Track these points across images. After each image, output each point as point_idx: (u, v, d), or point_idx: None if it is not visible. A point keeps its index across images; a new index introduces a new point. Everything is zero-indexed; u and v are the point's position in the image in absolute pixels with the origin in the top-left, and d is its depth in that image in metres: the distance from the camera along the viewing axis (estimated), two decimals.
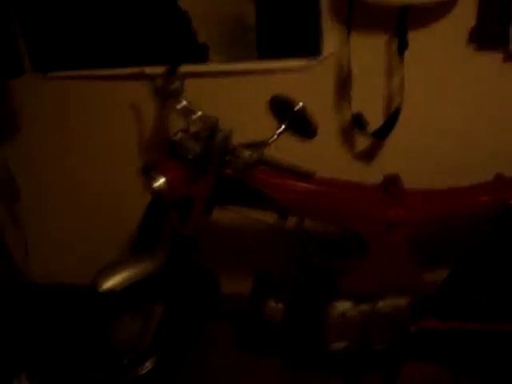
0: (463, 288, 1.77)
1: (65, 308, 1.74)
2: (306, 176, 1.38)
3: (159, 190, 1.48)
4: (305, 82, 1.81)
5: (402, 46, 1.67)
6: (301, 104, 1.33)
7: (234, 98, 1.88)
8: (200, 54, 1.84)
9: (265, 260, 1.90)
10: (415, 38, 1.68)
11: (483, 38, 1.69)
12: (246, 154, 1.40)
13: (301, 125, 1.37)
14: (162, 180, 1.47)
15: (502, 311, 1.75)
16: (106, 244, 2.12)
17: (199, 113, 1.53)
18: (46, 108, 2.02)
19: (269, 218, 1.63)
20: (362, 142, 1.89)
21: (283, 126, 1.38)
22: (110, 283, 1.62)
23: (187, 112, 1.55)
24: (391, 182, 1.63)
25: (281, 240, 1.76)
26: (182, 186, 1.51)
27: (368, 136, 1.82)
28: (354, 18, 1.68)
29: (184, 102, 1.56)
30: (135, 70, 1.83)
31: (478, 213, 1.64)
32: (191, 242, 1.61)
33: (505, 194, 1.60)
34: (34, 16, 1.87)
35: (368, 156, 1.91)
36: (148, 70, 1.80)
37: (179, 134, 1.53)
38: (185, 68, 1.66)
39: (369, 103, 1.80)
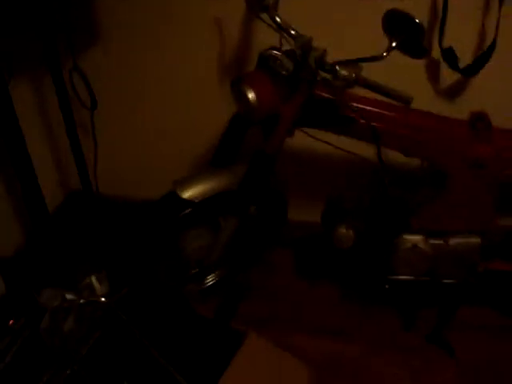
0: None
1: (139, 216, 1.78)
2: (405, 100, 1.36)
3: (249, 104, 1.48)
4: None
5: None
6: (418, 20, 1.29)
7: (327, 18, 1.83)
8: None
9: (337, 188, 1.90)
10: None
11: None
12: (345, 72, 1.38)
13: (413, 43, 1.33)
14: (251, 94, 1.47)
15: None
16: (179, 162, 2.16)
17: (293, 30, 1.51)
18: (127, 19, 2.00)
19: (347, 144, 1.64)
20: (450, 78, 1.84)
21: (394, 43, 1.34)
22: (191, 192, 1.67)
23: (281, 28, 1.53)
24: (479, 119, 1.60)
25: (356, 168, 1.76)
26: (272, 102, 1.50)
27: (457, 72, 1.77)
28: None
29: (278, 18, 1.54)
30: None
31: None
32: (271, 161, 1.62)
33: None
34: None
35: (455, 92, 1.86)
36: None
37: (272, 50, 1.51)
38: None
39: (461, 38, 1.73)
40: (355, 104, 1.55)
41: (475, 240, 1.71)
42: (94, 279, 1.71)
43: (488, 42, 1.72)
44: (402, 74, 1.69)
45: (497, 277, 1.78)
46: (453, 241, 1.71)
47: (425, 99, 1.85)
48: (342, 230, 1.75)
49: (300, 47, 1.46)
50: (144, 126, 2.19)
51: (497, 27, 1.67)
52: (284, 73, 1.47)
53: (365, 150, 1.61)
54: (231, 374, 1.44)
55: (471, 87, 1.85)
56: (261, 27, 1.63)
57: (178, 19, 1.93)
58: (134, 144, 2.24)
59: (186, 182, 1.69)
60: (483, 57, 1.74)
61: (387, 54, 1.33)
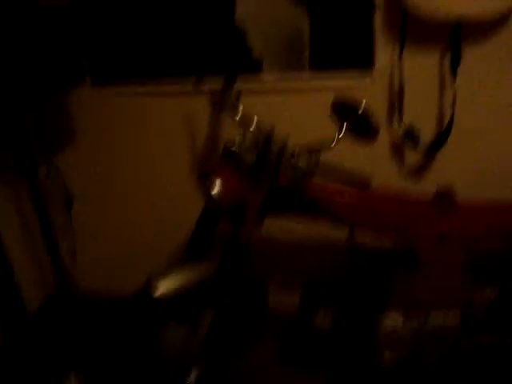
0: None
1: (115, 315, 1.77)
2: (363, 186, 1.40)
3: (215, 197, 1.51)
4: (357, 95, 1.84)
5: (455, 63, 1.69)
6: (364, 103, 1.35)
7: (286, 113, 1.92)
8: (255, 68, 1.89)
9: (314, 273, 1.91)
10: (469, 53, 1.70)
11: None
12: (303, 163, 1.43)
13: (363, 127, 1.38)
14: (217, 187, 1.51)
15: None
16: (156, 259, 2.17)
17: (255, 123, 1.57)
18: (101, 121, 2.09)
19: (320, 228, 1.67)
20: (413, 156, 1.90)
21: (344, 129, 1.39)
22: (163, 289, 1.66)
23: (243, 123, 1.59)
24: (444, 194, 1.63)
25: (331, 252, 1.78)
26: (236, 194, 1.54)
27: (419, 149, 1.83)
28: (407, 33, 1.71)
29: (240, 114, 1.60)
30: (190, 86, 1.87)
31: None
32: (244, 250, 1.64)
33: None
34: (96, 32, 1.96)
35: (419, 169, 1.92)
36: (204, 86, 1.86)
37: (235, 144, 1.57)
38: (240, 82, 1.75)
39: (420, 118, 1.81)
40: (320, 187, 1.58)
41: (455, 315, 1.69)
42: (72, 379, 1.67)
43: (446, 119, 1.80)
44: (367, 154, 1.77)
45: (482, 351, 1.75)
46: (432, 318, 1.69)
47: (395, 178, 1.92)
48: (320, 314, 1.73)
49: (264, 138, 1.52)
50: (119, 222, 2.22)
51: (453, 105, 1.75)
52: (245, 166, 1.51)
53: (339, 233, 1.65)
54: None
55: (436, 164, 1.90)
56: (228, 122, 1.70)
57: (148, 119, 2.02)
58: (111, 240, 2.26)
59: (158, 278, 1.68)
60: (443, 134, 1.81)
61: (336, 143, 1.38)
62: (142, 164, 2.10)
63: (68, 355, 1.92)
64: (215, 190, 1.51)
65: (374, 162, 1.86)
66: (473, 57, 1.71)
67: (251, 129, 1.56)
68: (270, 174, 1.52)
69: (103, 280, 2.29)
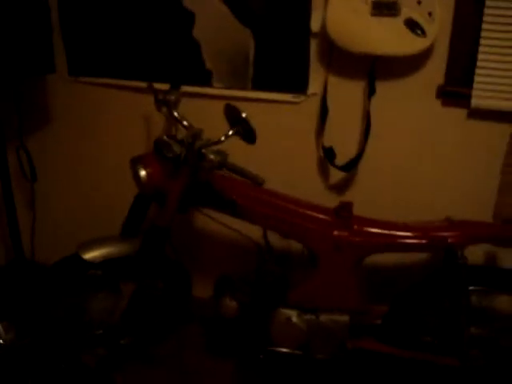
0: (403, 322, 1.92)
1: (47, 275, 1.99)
2: (256, 181, 1.63)
3: (140, 180, 1.76)
4: (291, 114, 2.08)
5: (371, 92, 1.91)
6: (244, 114, 1.59)
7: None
8: (205, 78, 2.13)
9: (231, 265, 2.12)
10: (387, 85, 1.92)
11: (449, 95, 1.91)
12: (212, 156, 1.66)
13: (245, 132, 1.62)
14: (143, 172, 1.76)
15: (441, 346, 1.89)
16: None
17: (185, 122, 1.81)
18: (71, 107, 2.36)
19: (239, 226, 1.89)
20: (335, 173, 2.11)
21: (231, 131, 1.65)
22: (92, 254, 1.89)
23: (177, 121, 1.83)
24: (344, 208, 1.83)
25: (245, 248, 1.99)
26: (160, 179, 1.77)
27: (335, 168, 2.05)
28: (333, 62, 1.94)
29: (176, 113, 1.84)
30: (146, 84, 2.11)
31: (417, 247, 1.81)
32: (163, 233, 1.86)
33: (446, 233, 1.77)
34: (75, 25, 2.23)
35: (337, 185, 2.14)
36: (156, 85, 2.10)
37: (165, 137, 1.80)
38: (191, 89, 2.08)
39: (341, 139, 2.03)
40: (225, 182, 1.82)
41: (344, 318, 1.88)
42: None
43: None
44: (299, 170, 2.05)
45: (367, 356, 1.93)
46: (323, 317, 1.89)
47: (317, 191, 2.13)
48: (227, 301, 1.93)
49: (191, 136, 1.76)
50: (77, 197, 2.49)
51: (366, 131, 1.97)
52: (170, 155, 1.74)
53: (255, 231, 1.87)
54: None
55: (352, 181, 2.12)
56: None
57: (111, 108, 2.28)
58: (68, 215, 2.51)
59: (89, 244, 1.92)
60: (356, 157, 2.03)
61: (225, 139, 1.63)
62: (102, 147, 2.35)
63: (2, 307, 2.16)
64: (142, 174, 1.76)
65: (304, 173, 2.12)
66: (385, 87, 1.93)
67: (182, 126, 1.81)
68: (189, 167, 1.75)
69: (57, 249, 2.52)
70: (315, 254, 1.85)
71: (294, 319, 1.89)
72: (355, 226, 1.82)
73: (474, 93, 1.84)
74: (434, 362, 1.88)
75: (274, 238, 1.91)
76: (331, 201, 2.02)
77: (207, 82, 2.14)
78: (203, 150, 1.69)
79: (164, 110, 1.86)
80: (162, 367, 2.16)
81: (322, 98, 1.99)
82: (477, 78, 1.83)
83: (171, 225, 1.86)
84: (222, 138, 1.65)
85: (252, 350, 2.02)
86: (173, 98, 1.86)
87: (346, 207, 1.83)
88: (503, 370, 1.89)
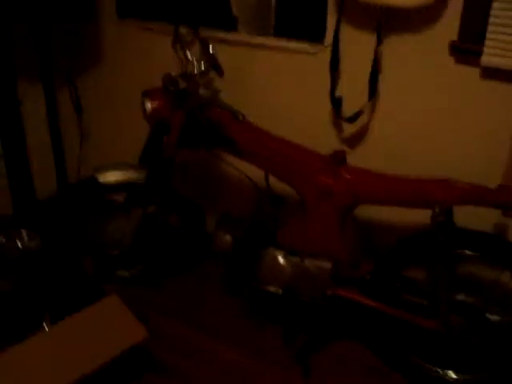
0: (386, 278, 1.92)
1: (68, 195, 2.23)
2: (236, 116, 1.71)
3: (146, 112, 1.94)
4: (308, 64, 2.11)
5: (378, 42, 1.89)
6: (212, 50, 1.79)
7: (252, 64, 2.24)
8: (231, 24, 2.22)
9: (243, 205, 2.23)
10: (399, 39, 1.89)
11: (463, 52, 1.83)
12: (202, 92, 1.78)
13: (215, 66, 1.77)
14: (148, 104, 1.92)
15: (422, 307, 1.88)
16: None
17: (195, 62, 1.92)
18: (118, 49, 2.55)
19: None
20: (347, 125, 2.12)
21: (203, 63, 1.83)
22: (107, 178, 2.08)
23: (188, 60, 1.94)
24: (336, 156, 1.86)
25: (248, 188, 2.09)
26: (164, 112, 1.93)
27: (341, 118, 2.08)
28: (345, 12, 1.94)
29: (189, 53, 1.95)
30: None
31: (405, 201, 1.80)
32: (166, 163, 2.00)
33: (436, 191, 1.73)
34: None
35: (349, 138, 2.16)
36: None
37: (173, 73, 1.92)
38: (218, 34, 2.21)
39: (351, 91, 2.03)
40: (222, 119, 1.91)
41: (327, 265, 1.92)
42: (24, 233, 2.16)
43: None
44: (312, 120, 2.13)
45: (346, 305, 1.95)
46: (308, 261, 1.94)
47: (330, 142, 2.16)
48: (221, 235, 2.05)
49: (199, 73, 1.88)
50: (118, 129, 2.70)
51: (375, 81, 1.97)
52: (171, 88, 1.87)
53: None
54: (77, 317, 1.81)
55: (359, 134, 2.13)
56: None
57: (156, 58, 2.44)
58: (110, 143, 2.75)
59: (105, 168, 2.11)
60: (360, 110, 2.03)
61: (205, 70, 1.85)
62: (142, 87, 2.51)
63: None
64: (147, 106, 1.92)
65: (316, 124, 2.17)
66: (397, 41, 1.90)
67: (192, 66, 1.92)
68: (189, 103, 1.87)
69: None
70: (303, 199, 1.90)
71: (280, 259, 1.96)
72: (344, 175, 1.84)
73: (486, 50, 1.75)
74: (413, 323, 1.86)
75: (276, 181, 1.97)
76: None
77: (233, 28, 2.23)
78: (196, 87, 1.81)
79: (179, 48, 1.98)
80: (165, 292, 2.35)
81: (333, 46, 2.00)
82: (489, 35, 1.73)
83: (175, 156, 2.00)
84: (195, 71, 1.81)
85: (241, 286, 2.12)
86: (189, 38, 1.98)
87: (338, 155, 1.86)
88: (485, 344, 1.84)
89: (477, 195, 1.70)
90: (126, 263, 2.36)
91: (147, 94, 1.94)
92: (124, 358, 1.77)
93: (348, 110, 2.05)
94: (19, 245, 2.13)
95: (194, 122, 1.92)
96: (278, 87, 2.22)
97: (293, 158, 1.89)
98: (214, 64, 1.79)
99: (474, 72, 1.84)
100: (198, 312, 2.26)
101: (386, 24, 1.88)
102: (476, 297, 1.85)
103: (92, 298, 1.93)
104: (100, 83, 2.64)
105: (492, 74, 1.80)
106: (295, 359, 2.03)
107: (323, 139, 2.15)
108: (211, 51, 1.76)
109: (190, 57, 1.92)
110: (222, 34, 2.23)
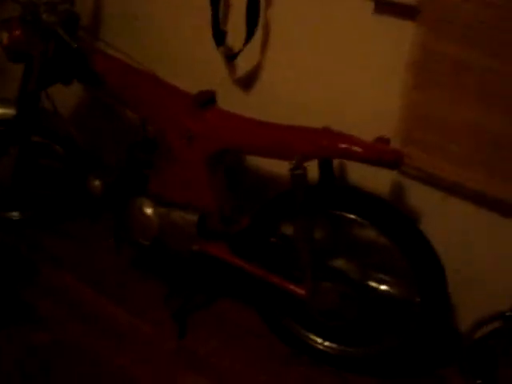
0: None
1: None
2: (71, 46, 1.54)
3: (4, 44, 1.77)
4: None
5: None
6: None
7: None
8: None
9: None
10: None
11: None
12: (44, 16, 1.62)
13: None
14: (5, 35, 1.76)
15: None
16: None
17: None
18: None
19: None
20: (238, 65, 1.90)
21: None
22: None
23: None
24: (201, 97, 1.66)
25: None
26: (21, 42, 1.75)
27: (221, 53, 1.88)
28: None
29: None
30: None
31: (271, 152, 1.59)
32: (32, 97, 1.84)
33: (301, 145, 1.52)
34: None
35: (241, 80, 1.94)
36: None
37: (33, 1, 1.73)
38: None
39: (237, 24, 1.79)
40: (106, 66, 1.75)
41: (193, 217, 1.74)
42: None
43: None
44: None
45: (212, 261, 1.79)
46: (174, 213, 1.77)
47: (221, 83, 1.95)
48: (91, 179, 1.89)
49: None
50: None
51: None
52: (28, 18, 1.69)
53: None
54: None
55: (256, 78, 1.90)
56: None
57: None
58: None
59: None
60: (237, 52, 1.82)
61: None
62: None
63: None
64: (3, 37, 1.75)
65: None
66: None
67: None
68: (49, 32, 1.68)
69: None
70: (169, 143, 1.72)
71: (147, 210, 1.80)
72: (208, 118, 1.64)
73: None
74: (279, 287, 1.69)
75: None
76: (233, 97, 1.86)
77: None
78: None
79: None
80: (55, 237, 2.23)
81: None
82: None
83: (39, 89, 1.84)
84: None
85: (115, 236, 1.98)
86: None
87: (203, 96, 1.66)
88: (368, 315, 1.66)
89: (345, 150, 1.47)
90: (17, 205, 2.24)
91: (4, 25, 1.77)
92: None
93: (236, 47, 1.82)
94: None
95: (62, 53, 1.74)
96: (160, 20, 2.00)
97: (156, 97, 1.70)
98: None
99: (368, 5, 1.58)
100: (86, 261, 2.14)
101: None
102: (358, 264, 1.67)
103: None
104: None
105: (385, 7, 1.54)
106: (172, 318, 1.89)
107: (214, 78, 1.93)
108: None
109: None
110: None
